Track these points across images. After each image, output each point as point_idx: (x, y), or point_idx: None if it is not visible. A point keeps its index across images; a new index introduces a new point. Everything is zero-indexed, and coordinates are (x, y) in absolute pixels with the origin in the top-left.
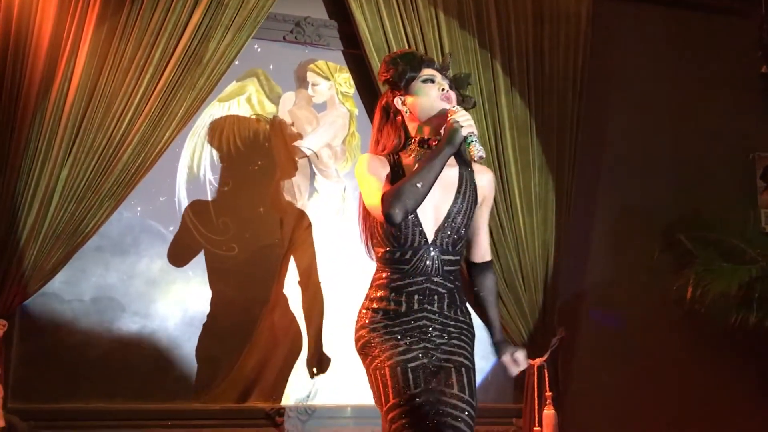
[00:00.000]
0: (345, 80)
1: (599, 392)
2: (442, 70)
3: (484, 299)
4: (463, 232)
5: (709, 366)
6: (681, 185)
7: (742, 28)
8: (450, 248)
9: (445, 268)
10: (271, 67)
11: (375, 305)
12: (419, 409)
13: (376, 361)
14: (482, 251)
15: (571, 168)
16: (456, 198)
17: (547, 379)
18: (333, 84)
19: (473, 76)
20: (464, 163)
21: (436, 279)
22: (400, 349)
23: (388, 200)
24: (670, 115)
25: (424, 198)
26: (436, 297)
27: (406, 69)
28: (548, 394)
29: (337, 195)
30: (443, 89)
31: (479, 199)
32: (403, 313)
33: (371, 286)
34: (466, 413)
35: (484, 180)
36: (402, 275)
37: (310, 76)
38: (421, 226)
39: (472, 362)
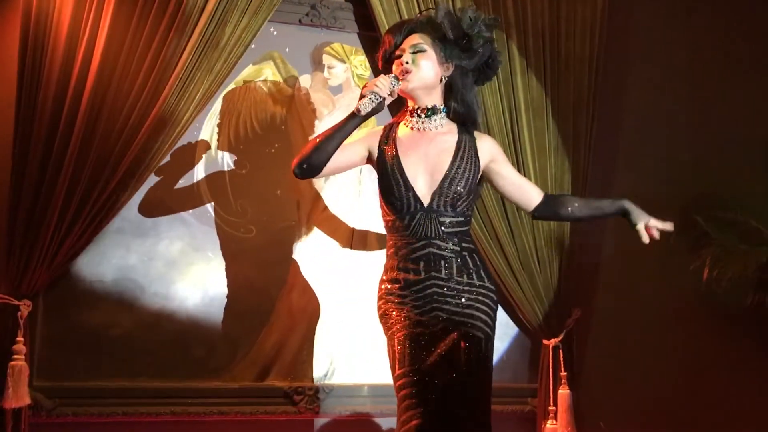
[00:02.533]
0: (361, 62)
1: (614, 372)
2: (431, 25)
3: (575, 207)
4: (464, 193)
5: (724, 347)
6: (698, 166)
7: (763, 6)
8: (449, 209)
9: (445, 229)
10: (287, 50)
11: (387, 276)
12: (425, 381)
13: (391, 330)
14: (534, 194)
15: (587, 149)
16: (453, 162)
17: (562, 358)
18: (349, 66)
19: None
20: (467, 131)
21: (438, 242)
22: (412, 321)
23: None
24: (688, 95)
25: (323, 152)
26: (442, 262)
27: (385, 52)
28: (563, 374)
29: (353, 178)
30: (401, 63)
31: (482, 162)
32: (413, 282)
33: (386, 257)
34: (473, 386)
35: (485, 145)
36: (405, 242)
37: (326, 59)
38: (413, 191)
39: (489, 330)
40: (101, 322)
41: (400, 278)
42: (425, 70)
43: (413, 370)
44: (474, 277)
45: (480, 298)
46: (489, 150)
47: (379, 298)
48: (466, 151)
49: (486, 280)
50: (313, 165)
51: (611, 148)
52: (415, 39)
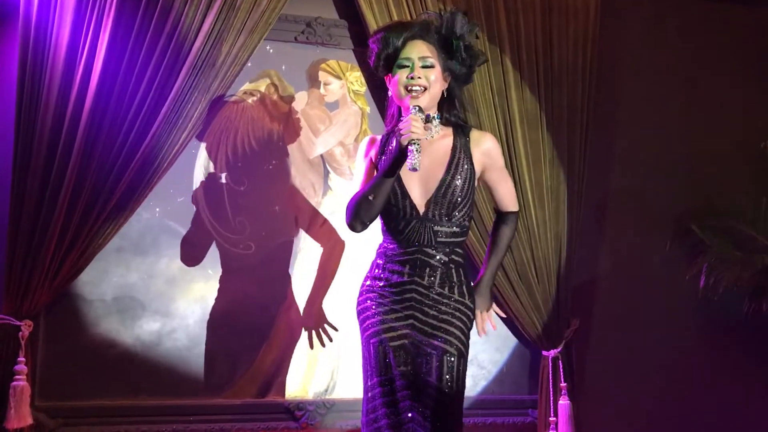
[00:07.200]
0: (356, 79)
1: (613, 382)
2: (435, 32)
3: (491, 244)
4: (460, 201)
5: (722, 355)
6: (692, 175)
7: (753, 17)
8: (444, 219)
9: (439, 239)
10: (283, 67)
11: (372, 274)
12: (397, 392)
13: (366, 333)
14: (503, 203)
15: (582, 160)
16: (448, 170)
17: (561, 370)
18: (344, 83)
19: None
20: (462, 132)
21: (428, 250)
22: (386, 325)
23: (348, 213)
24: (681, 105)
25: (381, 207)
26: (427, 269)
27: (381, 53)
28: (563, 384)
29: (350, 192)
30: (411, 77)
31: (478, 169)
32: (395, 284)
33: (374, 257)
34: (442, 403)
35: (482, 149)
36: (396, 245)
37: (322, 76)
38: (410, 198)
39: (462, 347)
40: (102, 340)
41: (384, 277)
42: (436, 88)
43: (382, 380)
44: (455, 291)
45: (457, 313)
46: (481, 159)
47: (360, 294)
48: (460, 158)
49: (466, 297)
50: (374, 218)
51: (606, 159)
52: (423, 50)
